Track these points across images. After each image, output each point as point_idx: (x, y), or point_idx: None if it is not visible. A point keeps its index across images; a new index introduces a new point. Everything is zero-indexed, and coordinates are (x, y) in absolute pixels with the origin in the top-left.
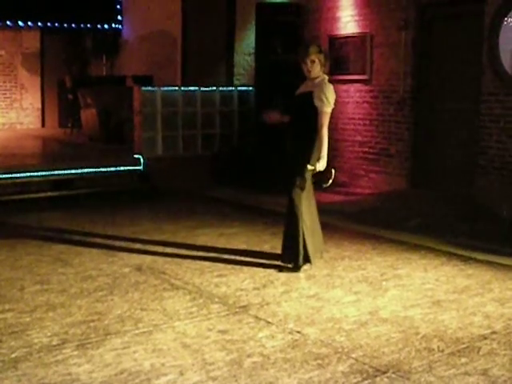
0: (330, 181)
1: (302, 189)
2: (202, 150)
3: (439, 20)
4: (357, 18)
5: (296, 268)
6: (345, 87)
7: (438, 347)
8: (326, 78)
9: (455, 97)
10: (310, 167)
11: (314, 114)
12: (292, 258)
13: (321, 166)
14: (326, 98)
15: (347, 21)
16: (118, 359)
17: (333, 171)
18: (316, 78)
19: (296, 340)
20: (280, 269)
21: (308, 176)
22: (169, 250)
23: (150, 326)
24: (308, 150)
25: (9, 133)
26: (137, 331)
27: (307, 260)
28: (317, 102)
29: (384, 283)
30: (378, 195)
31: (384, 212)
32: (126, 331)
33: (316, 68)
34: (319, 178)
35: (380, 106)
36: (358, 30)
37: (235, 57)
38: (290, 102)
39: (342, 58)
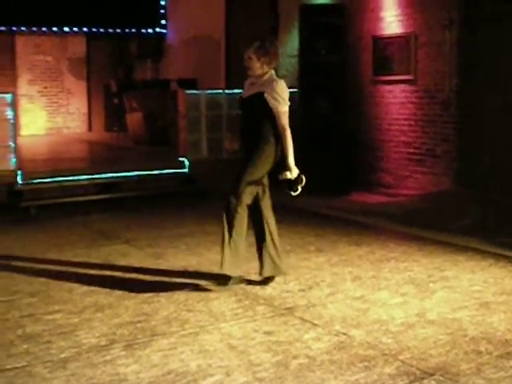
0: (300, 188)
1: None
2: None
3: (484, 18)
4: (400, 17)
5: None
6: (389, 88)
7: (487, 349)
8: (274, 73)
9: (502, 96)
10: (287, 175)
11: (268, 116)
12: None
13: (293, 173)
14: (280, 97)
15: (391, 21)
16: (165, 360)
17: (303, 177)
18: (261, 75)
19: (342, 342)
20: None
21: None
22: (214, 251)
23: (197, 327)
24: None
25: (56, 137)
26: (183, 332)
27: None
28: (271, 103)
29: (431, 285)
30: (423, 196)
31: (430, 213)
32: (173, 332)
33: (255, 65)
34: (288, 184)
35: (425, 106)
36: (402, 30)
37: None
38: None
39: (386, 58)
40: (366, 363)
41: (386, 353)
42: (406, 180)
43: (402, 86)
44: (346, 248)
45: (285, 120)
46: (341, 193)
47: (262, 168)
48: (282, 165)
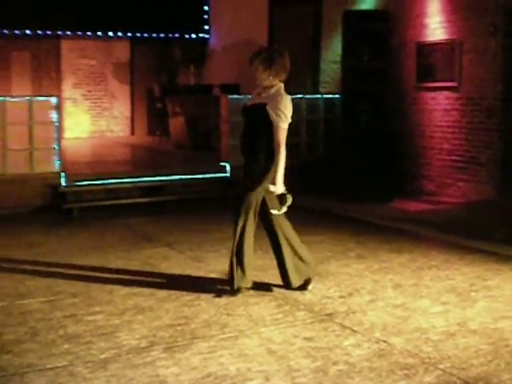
0: (285, 208)
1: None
2: (288, 158)
3: None
4: (445, 24)
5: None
6: (433, 94)
7: None
8: (282, 87)
9: None
10: (270, 188)
11: (268, 128)
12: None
13: (278, 189)
14: (283, 112)
15: (435, 27)
16: (205, 363)
17: (289, 197)
18: (270, 86)
19: (382, 349)
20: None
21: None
22: (255, 256)
23: (236, 332)
24: (260, 169)
25: (99, 140)
26: (223, 336)
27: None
28: (272, 117)
29: (473, 294)
30: (466, 204)
31: (472, 222)
32: (213, 336)
33: (261, 75)
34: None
35: (469, 114)
36: (447, 37)
37: (321, 65)
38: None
39: (429, 65)
40: (405, 371)
41: (426, 361)
42: (448, 188)
43: (446, 93)
44: (386, 255)
45: (282, 136)
46: (383, 200)
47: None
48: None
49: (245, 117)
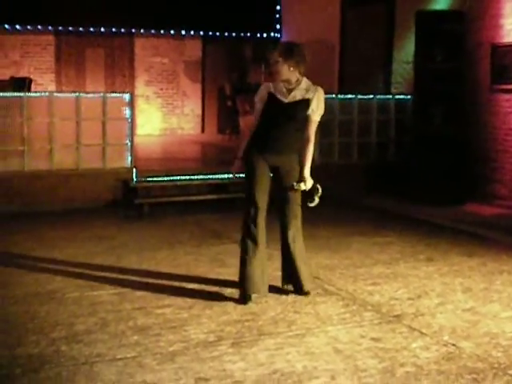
0: (317, 199)
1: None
2: (357, 158)
3: None
4: None
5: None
6: (508, 97)
7: None
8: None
9: None
10: (301, 186)
11: (304, 124)
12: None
13: (308, 184)
14: (320, 105)
15: (511, 28)
16: (271, 359)
17: (319, 188)
18: (293, 80)
19: (451, 353)
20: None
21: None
22: (322, 255)
23: (303, 329)
24: (298, 164)
25: (170, 138)
26: (290, 333)
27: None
28: (312, 111)
29: None
30: None
31: None
32: (279, 333)
33: (283, 68)
34: (305, 196)
35: None
36: None
37: (393, 65)
38: (273, 110)
39: (505, 66)
40: (474, 375)
41: (495, 366)
42: None
43: None
44: (457, 258)
45: (313, 130)
46: (455, 203)
47: None
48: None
49: (281, 114)
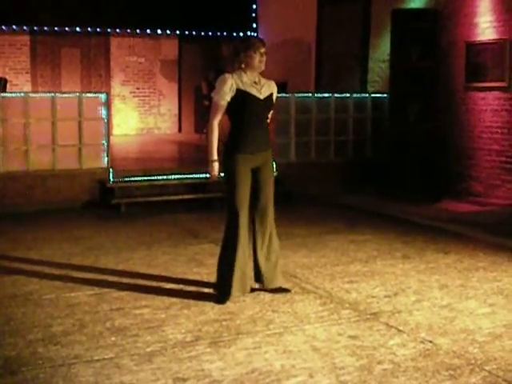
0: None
1: None
2: (334, 156)
3: None
4: (496, 23)
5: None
6: (482, 95)
7: None
8: None
9: None
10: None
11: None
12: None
13: None
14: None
15: (485, 27)
16: (249, 358)
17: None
18: (259, 73)
19: (428, 349)
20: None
21: None
22: (299, 254)
23: (281, 328)
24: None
25: (147, 137)
26: (268, 332)
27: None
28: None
29: None
30: None
31: None
32: (258, 332)
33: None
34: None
35: None
36: (497, 36)
37: (369, 63)
38: (249, 107)
39: (479, 64)
40: (451, 372)
41: (472, 362)
42: (496, 189)
43: (496, 93)
44: (433, 256)
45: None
46: (430, 200)
47: None
48: None
49: (256, 109)
